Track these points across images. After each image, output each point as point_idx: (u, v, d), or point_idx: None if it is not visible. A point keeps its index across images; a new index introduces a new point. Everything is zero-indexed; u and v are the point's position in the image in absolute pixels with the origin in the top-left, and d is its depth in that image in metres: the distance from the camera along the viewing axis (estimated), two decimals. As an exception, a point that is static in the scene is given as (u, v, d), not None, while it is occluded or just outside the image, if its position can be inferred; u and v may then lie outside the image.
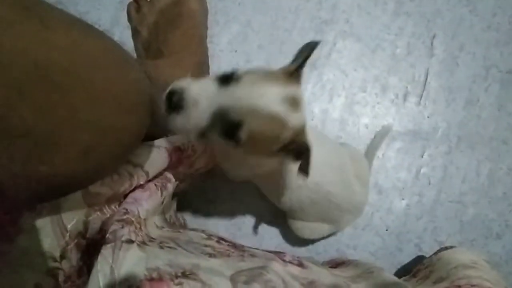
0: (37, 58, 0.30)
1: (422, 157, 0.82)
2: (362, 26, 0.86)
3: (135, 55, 0.82)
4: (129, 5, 0.82)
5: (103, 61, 0.37)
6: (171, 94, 0.45)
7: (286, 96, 0.46)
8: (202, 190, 0.80)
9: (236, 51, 0.86)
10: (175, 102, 0.45)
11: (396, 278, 0.61)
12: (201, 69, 0.77)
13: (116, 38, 0.81)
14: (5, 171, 0.31)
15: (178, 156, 0.56)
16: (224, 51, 0.86)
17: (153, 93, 0.45)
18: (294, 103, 0.47)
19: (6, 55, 0.28)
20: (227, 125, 0.45)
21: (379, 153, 0.82)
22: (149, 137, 0.52)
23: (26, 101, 0.30)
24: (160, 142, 0.54)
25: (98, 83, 0.35)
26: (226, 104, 0.44)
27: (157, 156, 0.52)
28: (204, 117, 0.45)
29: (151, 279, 0.39)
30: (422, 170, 0.82)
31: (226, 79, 0.46)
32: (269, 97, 0.45)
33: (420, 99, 0.84)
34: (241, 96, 0.44)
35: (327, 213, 0.69)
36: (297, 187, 0.63)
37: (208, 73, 0.82)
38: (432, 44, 0.86)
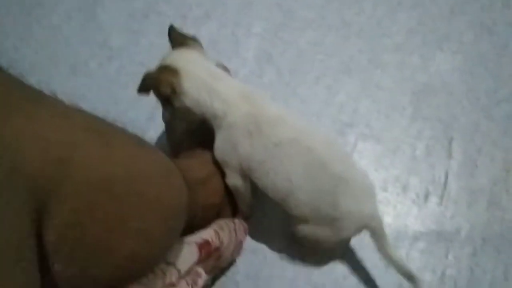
0: (100, 172, 0.35)
1: (447, 258, 0.82)
2: (381, 129, 0.91)
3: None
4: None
5: (154, 173, 0.41)
6: None
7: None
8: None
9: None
10: None
11: None
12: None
13: (151, 136, 0.88)
14: (64, 273, 0.34)
15: (207, 250, 0.59)
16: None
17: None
18: None
19: (78, 171, 0.33)
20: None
21: (403, 253, 0.82)
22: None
23: (93, 213, 0.34)
24: (191, 238, 0.57)
25: (149, 194, 0.39)
26: None
27: (188, 252, 0.55)
28: None
29: None
30: (448, 272, 0.81)
31: None
32: None
33: (442, 199, 0.86)
34: None
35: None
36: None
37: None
38: (450, 146, 0.90)
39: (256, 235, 0.84)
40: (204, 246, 0.58)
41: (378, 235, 0.69)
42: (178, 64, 0.68)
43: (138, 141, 0.43)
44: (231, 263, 0.78)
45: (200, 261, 0.58)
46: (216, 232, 0.63)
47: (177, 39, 0.74)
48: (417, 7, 1.01)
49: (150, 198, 0.39)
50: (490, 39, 0.97)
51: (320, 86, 0.96)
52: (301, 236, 0.74)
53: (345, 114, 0.94)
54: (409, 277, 0.69)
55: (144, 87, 0.68)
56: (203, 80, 0.68)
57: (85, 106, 0.96)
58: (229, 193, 0.79)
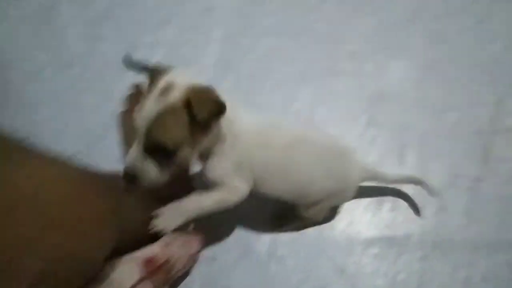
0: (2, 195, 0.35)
1: (398, 262, 0.85)
2: (337, 136, 0.93)
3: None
4: (120, 113, 0.90)
5: (64, 193, 0.41)
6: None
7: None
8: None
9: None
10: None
11: None
12: (185, 176, 0.83)
13: (107, 144, 0.88)
14: None
15: (152, 265, 0.59)
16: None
17: None
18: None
19: None
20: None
21: (356, 259, 0.84)
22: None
23: None
24: (134, 254, 0.58)
25: (53, 210, 0.39)
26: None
27: (130, 270, 0.56)
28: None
29: None
30: (399, 277, 0.84)
31: None
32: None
33: (394, 205, 0.89)
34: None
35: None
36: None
37: (191, 179, 0.87)
38: (402, 153, 0.92)
39: (212, 244, 0.85)
40: (148, 262, 0.59)
41: (374, 175, 0.80)
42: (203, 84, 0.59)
43: (52, 161, 0.43)
44: (186, 273, 0.79)
45: (145, 277, 0.59)
46: (163, 247, 0.63)
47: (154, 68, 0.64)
48: (373, 15, 1.03)
49: (53, 214, 0.39)
50: (441, 47, 0.99)
51: (277, 94, 0.97)
52: (308, 217, 0.79)
53: (301, 122, 0.95)
54: (416, 181, 0.84)
55: (212, 113, 0.56)
56: None
57: (43, 113, 0.96)
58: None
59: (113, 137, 0.93)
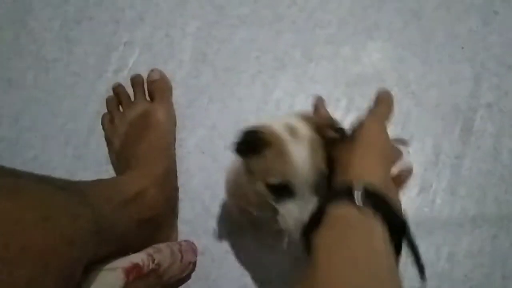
0: None
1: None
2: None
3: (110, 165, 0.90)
4: (103, 116, 0.91)
5: (22, 220, 0.42)
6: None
7: None
8: None
9: (203, 152, 0.93)
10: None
11: None
12: (168, 176, 0.84)
13: (92, 148, 0.89)
14: None
15: (137, 273, 0.61)
16: (192, 153, 0.93)
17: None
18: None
19: None
20: None
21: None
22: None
23: None
24: (117, 263, 0.59)
25: (13, 244, 0.40)
26: None
27: (111, 279, 0.57)
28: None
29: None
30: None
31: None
32: None
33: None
34: None
35: None
36: None
37: (176, 178, 0.88)
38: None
39: (203, 237, 0.87)
40: (132, 270, 0.60)
41: None
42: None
43: (12, 187, 0.44)
44: (184, 279, 0.81)
45: (130, 284, 0.60)
46: (150, 255, 0.64)
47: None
48: (348, -4, 1.02)
49: (20, 247, 0.40)
50: (418, 24, 0.99)
51: (256, 84, 0.97)
52: None
53: (282, 111, 0.95)
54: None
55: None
56: None
57: (25, 121, 0.97)
58: (172, 205, 0.81)
59: (97, 141, 0.94)
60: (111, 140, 0.89)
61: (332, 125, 0.53)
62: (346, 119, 0.94)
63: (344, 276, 0.39)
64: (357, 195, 0.44)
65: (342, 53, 0.98)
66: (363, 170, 0.48)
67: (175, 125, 0.93)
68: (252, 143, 0.51)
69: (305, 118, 0.55)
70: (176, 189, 0.86)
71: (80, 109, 0.97)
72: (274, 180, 0.50)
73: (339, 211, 0.45)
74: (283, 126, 0.52)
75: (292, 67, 0.98)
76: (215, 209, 0.89)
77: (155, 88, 0.92)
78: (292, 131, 0.52)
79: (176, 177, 0.88)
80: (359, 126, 0.55)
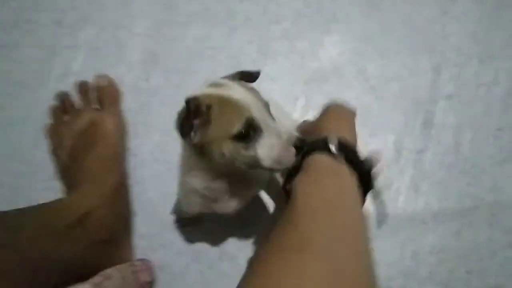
0: None
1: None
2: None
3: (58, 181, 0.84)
4: (47, 127, 0.85)
5: None
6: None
7: None
8: None
9: (158, 160, 0.89)
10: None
11: None
12: (119, 192, 0.79)
13: (38, 163, 0.83)
14: None
15: None
16: (146, 162, 0.88)
17: None
18: None
19: None
20: None
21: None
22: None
23: None
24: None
25: None
26: None
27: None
28: None
29: None
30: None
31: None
32: None
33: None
34: None
35: None
36: None
37: (129, 193, 0.83)
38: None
39: (161, 251, 0.83)
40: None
41: None
42: None
43: None
44: None
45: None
46: (96, 285, 0.60)
47: None
48: (302, -12, 0.98)
49: None
50: (376, 15, 0.95)
51: (211, 85, 0.92)
52: None
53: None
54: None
55: None
56: None
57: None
58: (124, 222, 0.77)
59: (43, 154, 0.88)
60: (57, 153, 0.83)
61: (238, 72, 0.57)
62: (304, 117, 0.90)
63: (320, 216, 0.45)
64: (332, 145, 0.51)
65: (299, 48, 0.94)
66: (336, 128, 0.56)
67: (126, 132, 0.88)
68: (194, 114, 0.51)
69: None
70: (128, 204, 0.82)
71: (23, 120, 0.91)
72: (237, 127, 0.50)
73: (317, 160, 0.51)
74: (207, 87, 0.53)
75: (248, 65, 0.94)
76: (172, 222, 0.85)
77: (103, 95, 0.87)
78: (217, 85, 0.52)
79: (128, 190, 0.83)
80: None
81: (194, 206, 0.66)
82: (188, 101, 0.51)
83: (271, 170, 0.54)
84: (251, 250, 0.82)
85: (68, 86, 0.90)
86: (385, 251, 0.84)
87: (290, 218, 0.45)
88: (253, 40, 0.96)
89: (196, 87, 0.55)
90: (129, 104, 0.91)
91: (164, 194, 0.86)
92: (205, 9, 0.97)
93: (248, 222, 0.83)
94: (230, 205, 0.63)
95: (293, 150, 0.51)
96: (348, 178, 0.50)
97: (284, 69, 0.93)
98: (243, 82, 0.55)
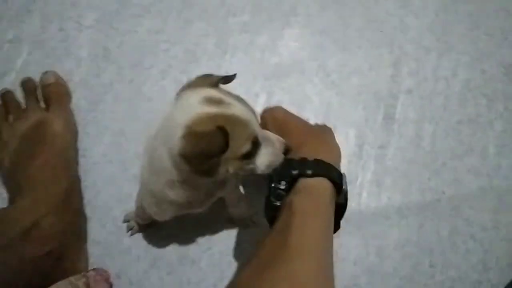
0: None
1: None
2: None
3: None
4: (-13, 130, 0.78)
5: None
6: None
7: None
8: None
9: (111, 161, 0.83)
10: None
11: None
12: (69, 198, 0.73)
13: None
14: None
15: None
16: (98, 164, 0.83)
17: None
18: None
19: None
20: None
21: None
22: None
23: None
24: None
25: None
26: None
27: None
28: None
29: None
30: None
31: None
32: None
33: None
34: None
35: None
36: None
37: (81, 198, 0.78)
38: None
39: (117, 258, 0.78)
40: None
41: None
42: None
43: None
44: None
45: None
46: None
47: None
48: (260, -20, 0.94)
49: None
50: (336, 8, 0.94)
51: (167, 80, 0.88)
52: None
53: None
54: None
55: None
56: None
57: None
58: (76, 230, 0.72)
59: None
60: (0, 158, 0.76)
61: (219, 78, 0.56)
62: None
63: (314, 241, 0.47)
64: (336, 174, 0.55)
65: (259, 43, 0.92)
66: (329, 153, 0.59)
67: (76, 134, 0.82)
68: (217, 146, 0.47)
69: (197, 84, 0.54)
70: (80, 210, 0.76)
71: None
72: (247, 148, 0.50)
73: (321, 185, 0.53)
74: (205, 104, 0.49)
75: (205, 60, 0.90)
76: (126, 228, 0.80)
77: (50, 93, 0.81)
78: (214, 100, 0.49)
79: (80, 195, 0.77)
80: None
81: (167, 214, 0.64)
82: (202, 128, 0.47)
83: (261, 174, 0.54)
84: (212, 254, 0.79)
85: (11, 84, 0.83)
86: (351, 248, 0.83)
87: (282, 248, 0.46)
88: (210, 33, 0.92)
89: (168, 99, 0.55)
90: (78, 102, 0.86)
91: (119, 197, 0.81)
92: (159, 1, 0.92)
93: (207, 224, 0.80)
94: (204, 205, 0.63)
95: (282, 155, 0.54)
96: (333, 209, 0.53)
97: (243, 64, 0.90)
98: (229, 92, 0.53)
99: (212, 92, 0.51)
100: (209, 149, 0.46)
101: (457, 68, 0.91)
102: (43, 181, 0.70)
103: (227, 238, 0.80)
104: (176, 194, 0.56)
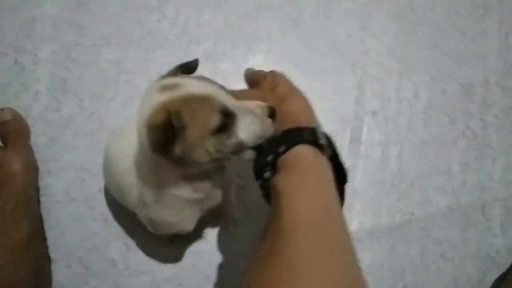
0: None
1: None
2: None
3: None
4: None
5: None
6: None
7: None
8: None
9: (74, 199, 0.80)
10: None
11: None
12: (30, 242, 0.70)
13: None
14: None
15: None
16: (61, 202, 0.79)
17: None
18: None
19: None
20: None
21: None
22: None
23: None
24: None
25: None
26: None
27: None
28: None
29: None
30: None
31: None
32: None
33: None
34: None
35: None
36: None
37: (44, 239, 0.74)
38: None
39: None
40: None
41: None
42: None
43: None
44: None
45: None
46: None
47: None
48: (221, 7, 0.94)
49: None
50: (298, 33, 0.94)
51: (129, 112, 0.85)
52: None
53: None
54: None
55: None
56: None
57: None
58: (39, 275, 0.68)
59: None
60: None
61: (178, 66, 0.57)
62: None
63: (307, 215, 0.44)
64: (321, 138, 0.52)
65: (222, 70, 0.91)
66: (308, 115, 0.57)
67: (37, 171, 0.79)
68: (171, 130, 0.47)
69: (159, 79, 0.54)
70: (43, 252, 0.73)
71: None
72: (215, 120, 0.49)
73: (301, 153, 0.50)
74: (159, 92, 0.49)
75: (168, 89, 0.87)
76: (95, 265, 0.76)
77: (6, 131, 0.77)
78: (169, 86, 0.50)
79: (43, 237, 0.74)
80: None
81: (192, 218, 0.63)
82: (156, 120, 0.47)
83: (254, 148, 0.53)
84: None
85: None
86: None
87: (277, 234, 0.44)
88: (172, 62, 0.89)
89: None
90: (37, 138, 0.82)
91: (83, 236, 0.78)
92: (118, 30, 0.90)
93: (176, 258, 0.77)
94: (216, 196, 0.62)
95: (269, 120, 0.53)
96: (329, 174, 0.50)
97: (208, 92, 0.88)
98: (189, 75, 0.54)
99: (168, 80, 0.51)
100: (163, 136, 0.47)
101: (418, 89, 0.93)
102: (1, 227, 0.66)
103: (198, 274, 0.78)
104: (184, 191, 0.56)
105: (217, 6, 0.95)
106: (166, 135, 0.47)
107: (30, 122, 0.83)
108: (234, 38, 0.93)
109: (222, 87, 0.52)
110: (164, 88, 0.49)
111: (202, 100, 0.48)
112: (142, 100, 0.52)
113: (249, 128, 0.51)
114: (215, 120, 0.48)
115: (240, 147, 0.52)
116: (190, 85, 0.49)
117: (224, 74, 0.90)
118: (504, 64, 0.96)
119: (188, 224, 0.64)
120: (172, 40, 0.91)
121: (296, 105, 0.59)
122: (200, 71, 0.86)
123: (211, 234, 0.79)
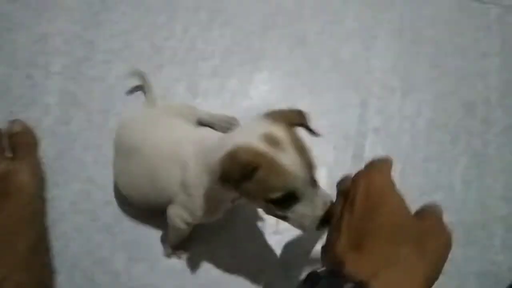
0: None
1: None
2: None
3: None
4: None
5: None
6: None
7: None
8: None
9: (81, 211, 0.81)
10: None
11: None
12: (35, 254, 0.70)
13: None
14: None
15: None
16: (67, 214, 0.81)
17: None
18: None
19: None
20: None
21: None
22: None
23: None
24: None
25: None
26: None
27: None
28: None
29: None
30: None
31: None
32: None
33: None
34: None
35: None
36: None
37: (49, 250, 0.75)
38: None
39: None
40: None
41: None
42: None
43: None
44: None
45: None
46: None
47: None
48: (228, 25, 0.96)
49: None
50: (304, 51, 0.96)
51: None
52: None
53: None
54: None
55: None
56: None
57: None
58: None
59: None
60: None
61: (302, 122, 0.58)
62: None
63: None
64: None
65: (229, 86, 0.93)
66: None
67: (44, 182, 0.80)
68: (241, 174, 0.49)
69: (275, 117, 0.55)
70: (48, 263, 0.73)
71: None
72: (276, 195, 0.51)
73: None
74: (262, 139, 0.51)
75: (176, 104, 0.90)
76: (99, 277, 0.77)
77: (16, 142, 0.78)
78: (272, 140, 0.51)
79: (48, 248, 0.74)
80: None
81: (219, 209, 0.66)
82: (240, 162, 0.50)
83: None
84: None
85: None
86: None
87: None
88: (180, 77, 0.92)
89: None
90: (46, 150, 0.84)
91: (88, 248, 0.79)
92: (128, 46, 0.93)
93: None
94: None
95: (317, 216, 0.53)
96: None
97: (214, 108, 0.90)
98: (299, 138, 0.55)
99: (277, 132, 0.52)
100: (238, 173, 0.49)
101: (420, 107, 0.94)
102: (6, 237, 0.67)
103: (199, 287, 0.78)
104: (221, 192, 0.58)
105: (225, 24, 0.97)
106: (241, 174, 0.49)
107: (39, 134, 0.84)
108: (241, 55, 0.95)
109: (313, 167, 0.54)
110: (267, 138, 0.51)
111: (282, 175, 0.50)
112: (245, 124, 0.57)
113: (300, 217, 0.54)
114: (276, 195, 0.51)
115: (285, 220, 0.55)
116: (285, 155, 0.51)
117: (232, 91, 0.92)
118: (504, 83, 0.98)
119: (215, 216, 0.67)
120: (181, 56, 0.94)
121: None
122: (207, 87, 0.89)
123: (214, 247, 0.80)
